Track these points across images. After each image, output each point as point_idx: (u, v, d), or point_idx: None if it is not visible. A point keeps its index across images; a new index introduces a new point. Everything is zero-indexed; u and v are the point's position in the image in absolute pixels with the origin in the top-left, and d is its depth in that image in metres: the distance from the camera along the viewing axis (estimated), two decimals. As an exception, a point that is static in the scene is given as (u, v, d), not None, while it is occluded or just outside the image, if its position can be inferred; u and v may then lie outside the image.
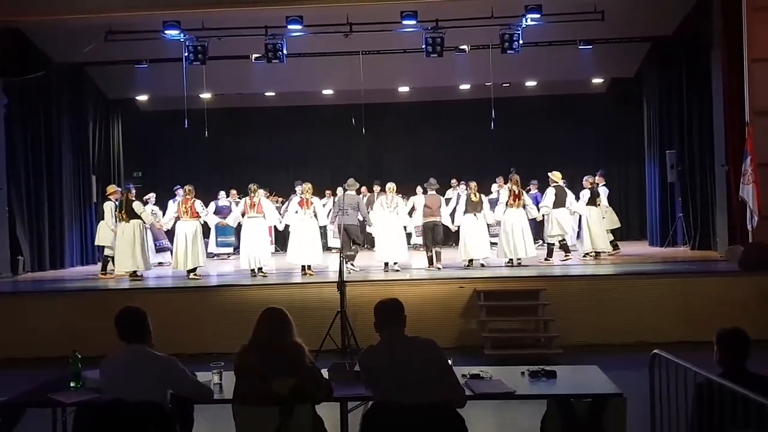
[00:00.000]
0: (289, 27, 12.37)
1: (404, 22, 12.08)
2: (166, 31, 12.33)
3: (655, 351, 4.51)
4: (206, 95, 15.37)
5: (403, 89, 16.81)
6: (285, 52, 12.87)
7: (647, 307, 9.42)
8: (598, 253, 12.47)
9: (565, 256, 12.18)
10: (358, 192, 12.72)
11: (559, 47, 14.12)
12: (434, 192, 12.07)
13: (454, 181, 14.85)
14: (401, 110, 17.59)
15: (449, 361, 4.17)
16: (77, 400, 4.39)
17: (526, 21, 12.35)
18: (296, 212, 11.59)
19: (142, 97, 17.18)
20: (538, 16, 12.05)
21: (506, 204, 11.62)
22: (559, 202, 12.17)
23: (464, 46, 13.77)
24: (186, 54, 12.98)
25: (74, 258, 14.76)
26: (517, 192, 11.57)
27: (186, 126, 13.84)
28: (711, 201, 12.82)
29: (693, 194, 13.64)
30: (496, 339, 9.11)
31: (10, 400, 4.62)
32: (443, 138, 17.76)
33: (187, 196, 11.64)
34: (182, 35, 12.65)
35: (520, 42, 12.62)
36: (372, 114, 15.25)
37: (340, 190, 13.29)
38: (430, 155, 17.61)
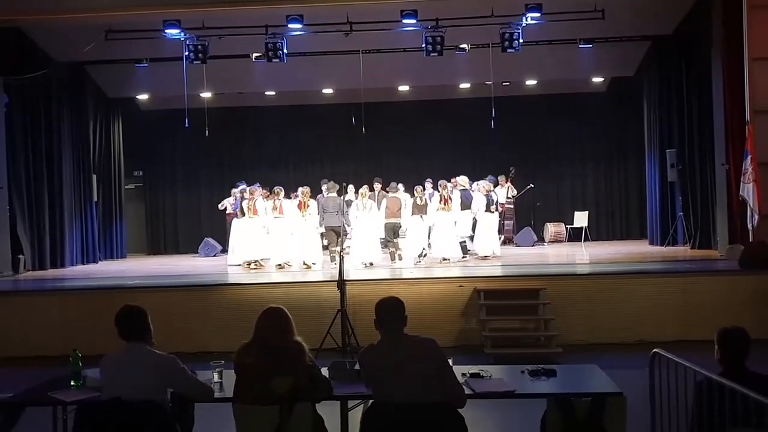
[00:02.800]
0: (290, 26, 12.39)
1: (404, 21, 12.09)
2: (166, 30, 12.34)
3: (655, 350, 4.51)
4: (207, 94, 15.36)
5: (403, 88, 16.81)
6: (285, 51, 12.88)
7: (647, 306, 9.41)
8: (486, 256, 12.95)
9: (462, 257, 12.73)
10: (340, 193, 13.19)
11: (559, 46, 14.12)
12: (395, 195, 12.85)
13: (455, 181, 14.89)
14: (401, 109, 17.57)
15: (449, 361, 4.18)
16: (77, 398, 4.39)
17: (527, 20, 12.35)
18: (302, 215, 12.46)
19: (143, 96, 17.18)
20: (538, 14, 12.05)
21: (436, 209, 12.49)
22: (465, 206, 12.86)
23: (464, 45, 13.77)
24: (186, 53, 13.00)
25: (75, 257, 14.76)
26: (446, 197, 12.42)
27: (186, 125, 13.83)
28: (711, 200, 12.82)
29: (693, 193, 13.64)
30: (496, 338, 9.11)
31: (11, 399, 4.62)
32: (443, 137, 17.74)
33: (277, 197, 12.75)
34: (182, 34, 12.66)
35: (521, 41, 12.63)
36: (372, 113, 15.25)
37: (323, 193, 13.62)
38: (430, 154, 17.62)
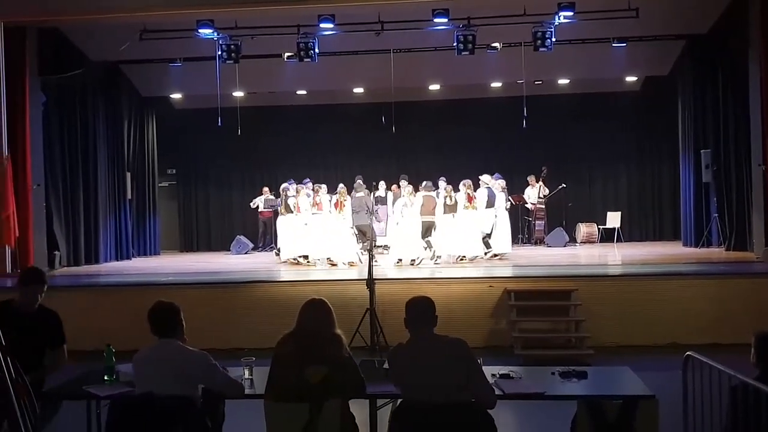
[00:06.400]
0: (321, 26, 12.43)
1: (436, 20, 12.07)
2: (199, 30, 12.46)
3: (688, 353, 4.46)
4: (239, 93, 15.49)
5: (434, 87, 16.78)
6: (317, 50, 12.94)
7: (681, 308, 9.28)
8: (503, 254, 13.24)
9: (485, 253, 12.95)
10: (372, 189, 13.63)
11: (592, 45, 13.98)
12: (430, 194, 12.84)
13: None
14: (432, 108, 17.53)
15: (479, 361, 4.16)
16: (111, 393, 4.46)
17: (559, 18, 12.22)
18: (329, 212, 12.71)
19: (176, 95, 17.39)
20: (571, 13, 11.94)
21: (464, 206, 12.59)
22: (489, 203, 12.95)
23: (496, 44, 13.73)
24: (219, 52, 13.12)
25: (108, 253, 14.98)
26: (471, 195, 12.59)
27: (219, 124, 13.96)
28: (747, 201, 12.61)
29: (728, 194, 13.43)
30: (527, 339, 9.06)
31: (47, 392, 4.72)
32: (474, 136, 17.66)
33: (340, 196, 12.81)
34: (216, 34, 12.77)
35: (553, 39, 12.53)
36: (402, 112, 15.23)
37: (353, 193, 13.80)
38: (460, 153, 17.55)
